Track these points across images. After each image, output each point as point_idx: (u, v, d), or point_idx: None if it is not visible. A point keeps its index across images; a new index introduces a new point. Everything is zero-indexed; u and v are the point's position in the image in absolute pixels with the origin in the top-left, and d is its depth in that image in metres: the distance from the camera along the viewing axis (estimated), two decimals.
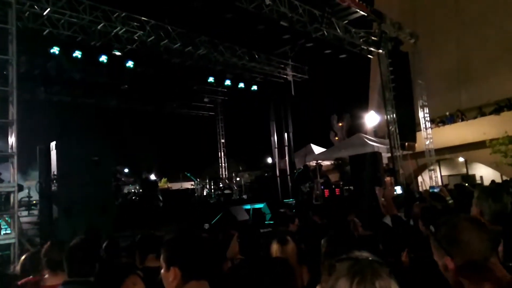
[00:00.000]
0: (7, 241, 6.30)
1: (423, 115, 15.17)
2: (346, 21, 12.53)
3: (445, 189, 6.47)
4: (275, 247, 3.44)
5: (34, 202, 10.20)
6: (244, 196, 14.37)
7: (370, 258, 1.21)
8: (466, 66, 18.64)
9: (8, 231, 6.60)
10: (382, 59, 13.83)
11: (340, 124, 23.12)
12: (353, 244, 3.54)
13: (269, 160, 18.36)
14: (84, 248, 2.70)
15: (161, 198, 11.56)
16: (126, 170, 13.02)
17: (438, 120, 18.48)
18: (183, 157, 16.79)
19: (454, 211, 5.11)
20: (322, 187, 13.70)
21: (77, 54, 10.82)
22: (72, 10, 9.86)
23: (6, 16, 7.01)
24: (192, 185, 15.23)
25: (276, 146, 16.00)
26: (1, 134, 6.56)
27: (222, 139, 19.35)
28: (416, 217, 4.37)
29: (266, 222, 9.53)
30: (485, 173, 17.30)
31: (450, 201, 5.44)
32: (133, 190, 12.29)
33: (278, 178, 15.05)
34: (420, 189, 15.84)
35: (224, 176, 18.27)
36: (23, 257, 3.62)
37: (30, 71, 11.32)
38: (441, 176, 18.04)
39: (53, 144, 8.53)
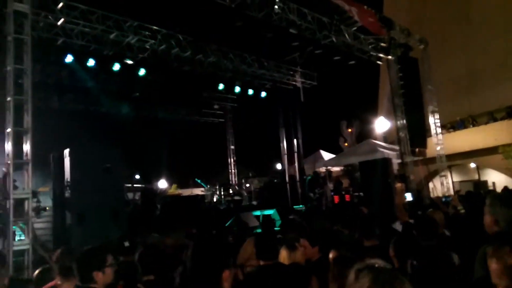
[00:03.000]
0: (21, 247, 6.42)
1: (433, 120, 15.04)
2: (355, 28, 12.57)
3: (457, 198, 6.43)
4: (284, 254, 3.46)
5: (47, 208, 10.36)
6: (254, 202, 14.38)
7: (390, 267, 1.26)
8: (476, 71, 18.47)
9: (23, 237, 6.74)
10: (392, 65, 13.79)
11: (350, 130, 23.03)
12: (362, 252, 3.55)
13: (279, 166, 18.37)
14: (96, 254, 2.79)
15: (158, 206, 11.64)
16: (137, 177, 13.18)
17: (448, 126, 18.31)
18: (193, 164, 16.91)
19: (465, 219, 5.08)
20: (332, 193, 13.66)
21: (91, 63, 11.04)
22: (85, 20, 10.08)
23: (21, 27, 7.20)
24: (202, 191, 15.32)
25: (286, 152, 16.03)
26: (16, 141, 6.71)
27: (232, 145, 19.42)
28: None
29: (275, 228, 9.54)
30: (497, 179, 17.06)
31: (461, 210, 5.41)
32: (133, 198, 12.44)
33: (288, 184, 15.05)
34: (432, 195, 15.68)
35: (234, 182, 18.32)
36: (36, 272, 3.71)
37: (44, 80, 11.57)
38: (452, 182, 17.82)
39: (66, 152, 8.68)
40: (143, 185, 13.74)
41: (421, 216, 5.17)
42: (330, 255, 3.18)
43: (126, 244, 3.89)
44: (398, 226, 5.39)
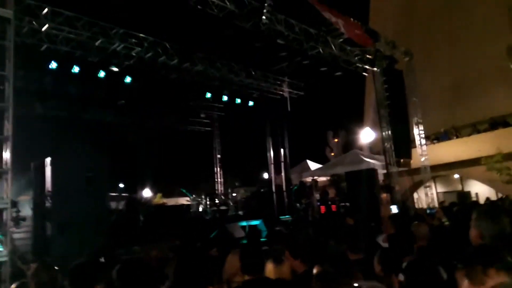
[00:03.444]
0: None
1: (418, 132, 15.27)
2: (341, 40, 12.73)
3: (441, 211, 6.48)
4: (270, 267, 3.37)
5: (23, 217, 10.09)
6: (240, 213, 14.29)
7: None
8: (460, 83, 18.88)
9: (1, 249, 6.50)
10: (377, 77, 13.99)
11: (336, 140, 23.24)
12: (347, 267, 3.50)
13: (265, 175, 18.34)
14: (94, 268, 2.80)
15: (142, 218, 11.44)
16: (121, 185, 12.97)
17: (433, 137, 18.60)
18: (178, 173, 16.76)
19: (450, 232, 5.10)
20: (318, 203, 13.67)
21: (75, 69, 10.88)
22: (71, 26, 9.93)
23: (4, 32, 7.04)
24: (187, 201, 15.14)
25: (272, 162, 16.01)
26: None
27: (218, 154, 19.29)
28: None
29: (261, 239, 9.45)
30: (480, 190, 17.34)
31: (446, 222, 5.44)
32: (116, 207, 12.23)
33: (274, 194, 15.00)
34: (416, 206, 15.84)
35: (220, 191, 18.17)
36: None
37: (27, 86, 11.33)
38: (436, 193, 18.05)
39: (48, 160, 8.48)
40: (127, 194, 13.52)
41: (400, 230, 5.15)
42: (314, 270, 3.13)
43: (102, 260, 3.72)
44: (380, 240, 5.36)
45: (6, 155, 6.66)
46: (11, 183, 6.66)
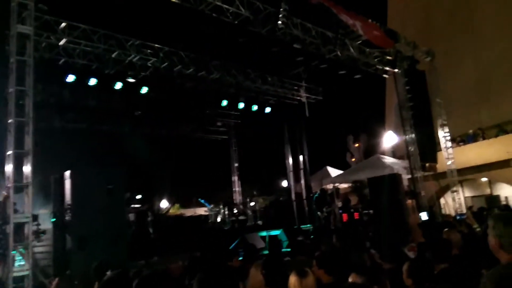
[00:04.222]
0: (21, 273, 6.23)
1: (443, 134, 14.74)
2: (359, 42, 12.42)
3: (471, 216, 6.11)
4: (293, 280, 3.26)
5: (43, 230, 10.14)
6: (259, 222, 14.04)
7: None
8: (485, 83, 18.25)
9: (22, 263, 6.50)
10: (398, 79, 13.59)
11: (357, 144, 22.76)
12: (381, 277, 3.34)
13: (284, 183, 18.04)
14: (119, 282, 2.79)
15: (151, 230, 11.33)
16: (138, 197, 12.95)
17: (458, 139, 17.95)
18: (196, 182, 16.65)
19: (481, 239, 4.78)
20: (340, 211, 13.31)
21: (92, 82, 10.99)
22: (87, 39, 10.07)
23: (23, 48, 7.12)
24: (205, 211, 15.01)
25: (291, 169, 15.75)
26: (17, 164, 6.57)
27: (236, 163, 19.06)
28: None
29: (283, 250, 9.19)
30: (510, 193, 16.61)
31: (477, 229, 5.10)
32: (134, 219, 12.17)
33: (294, 203, 14.72)
34: (443, 211, 15.24)
35: (238, 201, 17.93)
36: None
37: (46, 100, 11.52)
38: (464, 197, 17.36)
39: (67, 174, 8.51)
40: (138, 206, 13.45)
41: (435, 237, 4.91)
42: (350, 279, 3.13)
43: (108, 273, 3.61)
44: (406, 250, 5.11)
45: (26, 169, 6.69)
46: (31, 197, 6.69)
